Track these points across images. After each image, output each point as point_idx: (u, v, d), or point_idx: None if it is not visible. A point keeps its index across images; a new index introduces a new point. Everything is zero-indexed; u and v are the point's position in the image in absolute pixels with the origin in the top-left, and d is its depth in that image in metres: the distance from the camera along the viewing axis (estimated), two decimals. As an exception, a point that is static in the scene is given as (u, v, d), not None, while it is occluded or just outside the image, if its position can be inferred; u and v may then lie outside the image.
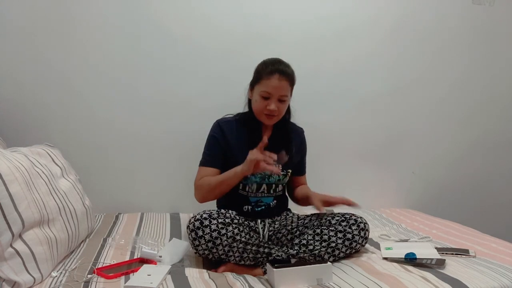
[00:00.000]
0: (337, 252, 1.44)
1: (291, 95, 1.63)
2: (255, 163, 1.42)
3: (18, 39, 1.90)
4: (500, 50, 2.51)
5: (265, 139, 1.46)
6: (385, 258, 1.46)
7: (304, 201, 1.67)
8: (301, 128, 1.80)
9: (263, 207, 1.64)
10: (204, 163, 1.63)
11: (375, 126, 2.36)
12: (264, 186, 1.64)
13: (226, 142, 1.63)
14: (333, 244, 1.44)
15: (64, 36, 1.95)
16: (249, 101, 1.68)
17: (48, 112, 1.97)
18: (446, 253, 1.49)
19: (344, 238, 1.45)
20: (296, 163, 1.73)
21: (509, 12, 2.49)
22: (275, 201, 1.68)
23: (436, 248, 1.54)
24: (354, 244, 1.47)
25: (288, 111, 1.71)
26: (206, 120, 2.10)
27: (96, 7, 1.97)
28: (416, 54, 2.38)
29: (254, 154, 1.43)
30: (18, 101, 1.93)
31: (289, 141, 1.69)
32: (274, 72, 1.53)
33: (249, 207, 1.63)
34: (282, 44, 2.16)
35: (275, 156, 1.44)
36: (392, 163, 2.42)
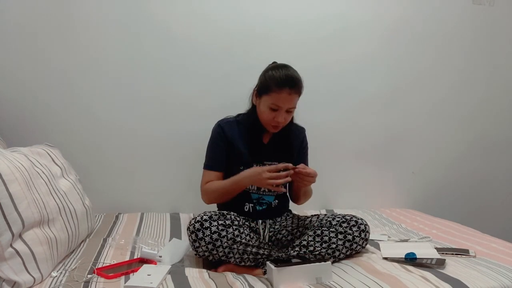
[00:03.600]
0: (337, 253, 1.44)
1: None
2: (263, 182, 1.46)
3: (18, 39, 1.91)
4: (500, 50, 2.51)
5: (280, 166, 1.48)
6: (385, 258, 1.46)
7: (295, 189, 1.71)
8: (302, 128, 1.79)
9: (265, 206, 1.64)
10: (207, 166, 1.66)
11: (375, 126, 2.36)
12: None
13: (228, 142, 1.63)
14: (334, 246, 1.43)
15: (64, 36, 1.95)
16: (253, 106, 1.66)
17: (48, 112, 1.97)
18: (446, 253, 1.49)
19: (345, 240, 1.45)
20: (297, 163, 1.72)
21: (509, 12, 2.49)
22: (276, 201, 1.67)
23: (436, 248, 1.54)
24: (354, 245, 1.47)
25: None
26: (206, 120, 2.10)
27: (96, 7, 1.97)
28: (416, 54, 2.38)
29: (262, 174, 1.45)
30: (18, 101, 1.93)
31: (289, 143, 1.69)
32: (284, 86, 1.50)
33: (251, 205, 1.63)
34: (282, 44, 2.16)
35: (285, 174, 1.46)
36: (392, 163, 2.42)
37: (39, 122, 1.96)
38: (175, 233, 1.75)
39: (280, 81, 1.51)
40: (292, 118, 1.71)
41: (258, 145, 1.65)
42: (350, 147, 2.33)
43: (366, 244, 1.53)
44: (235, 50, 2.13)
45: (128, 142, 2.06)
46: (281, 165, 1.48)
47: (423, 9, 2.36)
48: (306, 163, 1.79)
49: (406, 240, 1.68)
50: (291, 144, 1.69)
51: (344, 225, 1.48)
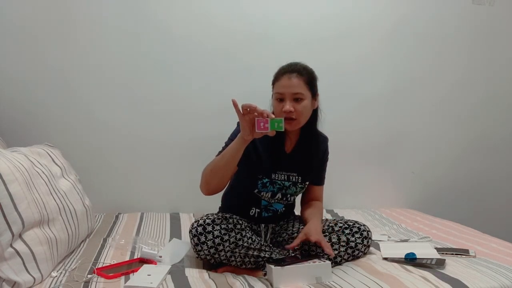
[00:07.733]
0: (339, 259, 1.44)
1: (313, 95, 1.52)
2: (245, 115, 1.26)
3: (18, 39, 1.91)
4: (500, 50, 2.51)
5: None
6: (385, 258, 1.46)
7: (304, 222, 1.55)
8: (326, 137, 1.67)
9: (271, 214, 1.59)
10: (219, 152, 1.49)
11: (375, 126, 2.36)
12: (279, 194, 1.57)
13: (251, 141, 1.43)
14: (336, 252, 1.42)
15: (64, 36, 1.96)
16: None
17: (48, 112, 1.97)
18: (446, 253, 1.49)
19: (347, 246, 1.45)
20: (314, 175, 1.64)
21: (509, 12, 2.49)
22: (284, 209, 1.62)
23: (436, 248, 1.54)
24: (356, 252, 1.47)
25: (315, 116, 1.58)
26: (206, 120, 2.11)
27: (96, 7, 1.97)
28: (416, 54, 2.38)
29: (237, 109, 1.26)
30: (18, 101, 1.93)
31: (311, 154, 1.58)
32: (284, 73, 1.48)
33: (257, 211, 1.57)
34: (283, 44, 2.16)
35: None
36: (392, 163, 2.42)
37: (39, 122, 1.96)
38: (175, 233, 1.75)
39: (280, 70, 1.50)
40: (315, 124, 1.60)
41: (280, 153, 1.54)
42: (350, 147, 2.33)
43: (368, 250, 1.52)
44: (235, 50, 2.13)
45: (128, 142, 2.06)
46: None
47: (423, 9, 2.36)
48: (322, 175, 1.68)
49: (406, 240, 1.68)
50: (313, 156, 1.59)
51: (347, 231, 1.47)
